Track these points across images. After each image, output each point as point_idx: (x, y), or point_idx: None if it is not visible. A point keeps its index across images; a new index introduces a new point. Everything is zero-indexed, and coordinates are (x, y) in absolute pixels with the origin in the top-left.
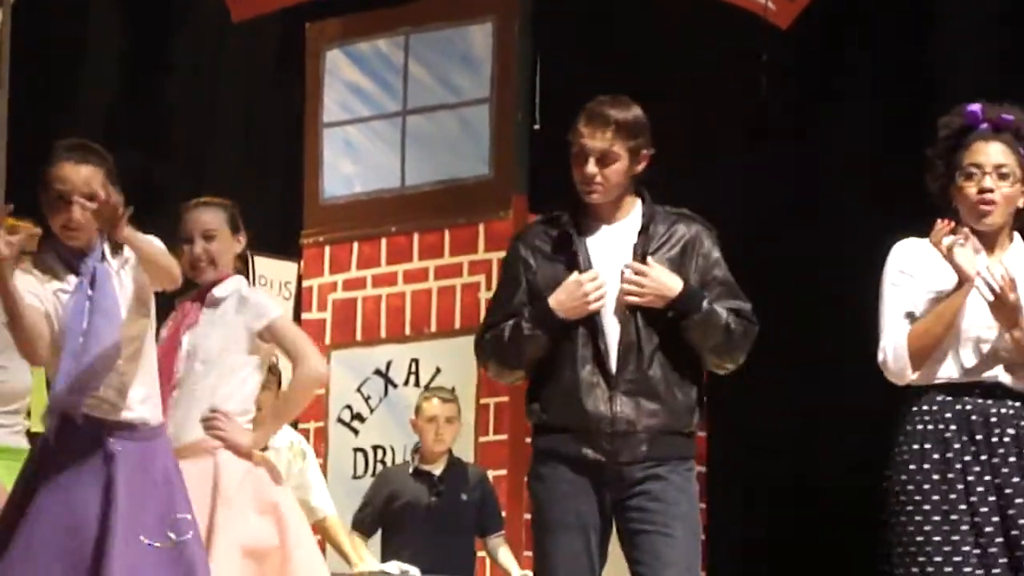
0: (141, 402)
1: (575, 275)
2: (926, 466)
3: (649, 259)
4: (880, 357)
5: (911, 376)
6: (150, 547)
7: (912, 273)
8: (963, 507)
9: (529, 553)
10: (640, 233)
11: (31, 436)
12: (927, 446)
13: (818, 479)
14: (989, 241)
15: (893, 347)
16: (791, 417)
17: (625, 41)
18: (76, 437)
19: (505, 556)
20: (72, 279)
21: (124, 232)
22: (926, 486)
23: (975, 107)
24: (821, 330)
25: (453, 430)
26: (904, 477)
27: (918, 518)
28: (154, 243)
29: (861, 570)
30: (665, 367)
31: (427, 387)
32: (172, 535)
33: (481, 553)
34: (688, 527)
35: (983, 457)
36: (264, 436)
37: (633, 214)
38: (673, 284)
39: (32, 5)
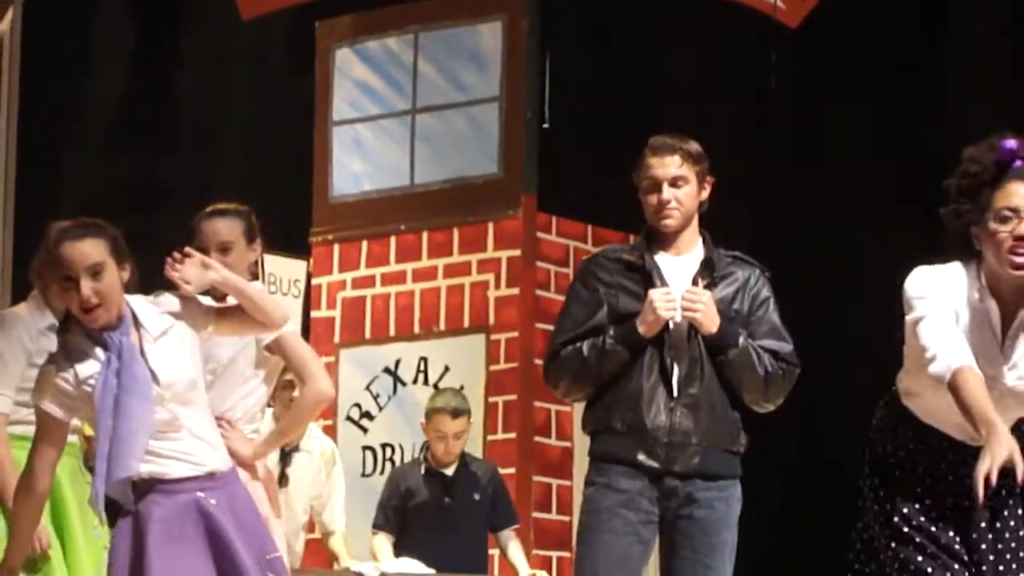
0: (214, 450)
1: (651, 292)
2: (897, 473)
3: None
4: (929, 362)
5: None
6: None
7: (936, 295)
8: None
9: (538, 552)
10: (703, 265)
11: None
12: (892, 461)
13: (823, 491)
14: (1015, 288)
15: (946, 365)
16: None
17: (634, 40)
18: (169, 499)
19: (515, 553)
20: (102, 355)
21: (221, 278)
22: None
23: (1011, 144)
24: (825, 332)
25: (462, 443)
26: (875, 482)
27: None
28: (256, 287)
29: None
30: (720, 388)
31: (437, 388)
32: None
33: (493, 549)
34: (725, 553)
35: (950, 477)
36: (267, 449)
37: (695, 251)
38: (716, 319)
39: (40, 3)
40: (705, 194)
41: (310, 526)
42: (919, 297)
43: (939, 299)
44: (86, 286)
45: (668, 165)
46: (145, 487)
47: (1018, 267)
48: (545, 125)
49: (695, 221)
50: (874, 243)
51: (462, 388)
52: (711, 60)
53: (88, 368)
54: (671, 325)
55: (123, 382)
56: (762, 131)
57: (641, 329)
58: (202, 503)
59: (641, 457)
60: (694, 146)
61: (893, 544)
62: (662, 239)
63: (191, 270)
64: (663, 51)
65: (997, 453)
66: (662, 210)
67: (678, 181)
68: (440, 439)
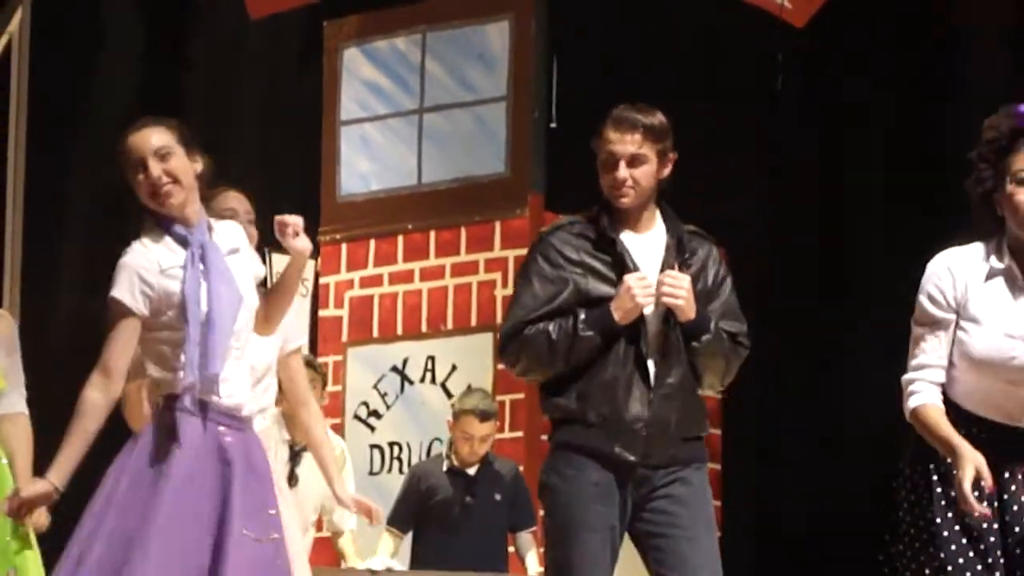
0: (246, 389)
1: (626, 278)
2: (933, 478)
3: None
4: (903, 381)
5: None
6: (255, 541)
7: (948, 305)
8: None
9: (544, 550)
10: (674, 242)
11: None
12: (931, 465)
13: (831, 479)
14: None
15: (908, 395)
16: (804, 417)
17: (641, 40)
18: (191, 427)
19: (532, 556)
20: (180, 252)
21: (299, 244)
22: (930, 503)
23: None
24: (838, 330)
25: (487, 445)
26: (911, 490)
27: (924, 534)
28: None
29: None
30: (690, 374)
31: (444, 387)
32: (271, 531)
33: (510, 548)
34: (710, 529)
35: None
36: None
37: (657, 225)
38: (694, 303)
39: (50, 2)
40: (666, 171)
41: (318, 524)
42: (928, 300)
43: (943, 307)
44: (155, 167)
45: (627, 143)
46: (177, 403)
47: None
48: (552, 124)
49: (653, 196)
50: (882, 242)
51: (469, 387)
52: (718, 59)
53: (170, 259)
54: (647, 311)
55: (210, 269)
56: (769, 131)
57: (617, 316)
58: (222, 439)
59: (618, 450)
60: (658, 120)
61: (932, 546)
62: (623, 215)
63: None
64: (670, 51)
65: (966, 471)
66: (617, 189)
67: (636, 160)
68: (466, 440)
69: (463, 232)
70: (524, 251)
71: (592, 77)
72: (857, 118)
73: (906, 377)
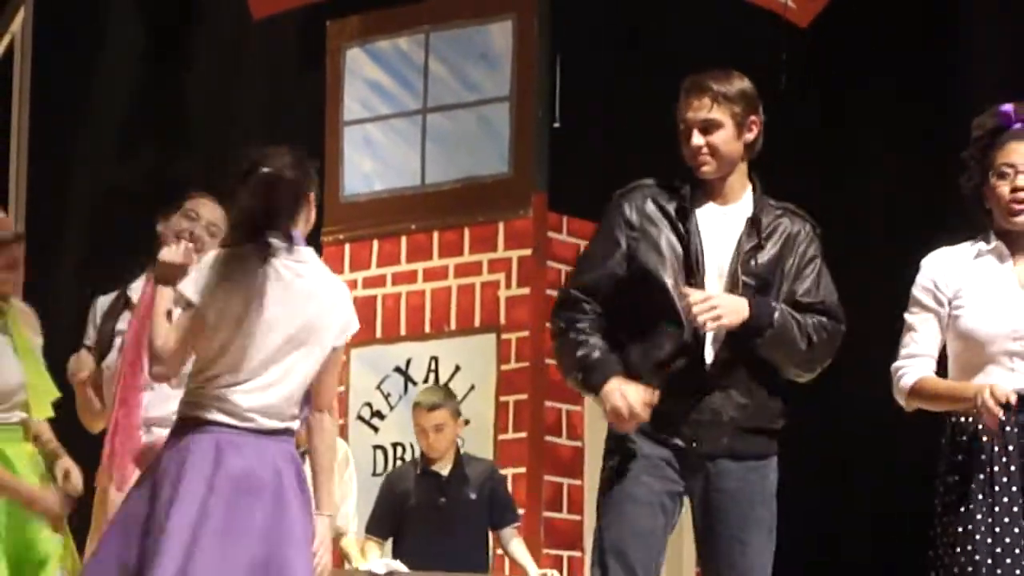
0: None
1: (626, 391)
2: (966, 475)
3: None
4: (892, 368)
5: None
6: None
7: (940, 298)
8: (1003, 517)
9: (547, 551)
10: (749, 223)
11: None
12: (962, 457)
13: (836, 473)
14: (1020, 242)
15: (900, 377)
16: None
17: (645, 39)
18: None
19: (519, 550)
20: None
21: None
22: (968, 503)
23: (1008, 107)
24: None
25: (445, 437)
26: (944, 492)
27: (960, 534)
28: None
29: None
30: (759, 364)
31: (435, 384)
32: None
33: (499, 550)
34: (762, 529)
35: (1012, 468)
36: None
37: (744, 200)
38: (740, 305)
39: (52, 3)
40: (750, 136)
41: None
42: (920, 292)
43: (935, 299)
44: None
45: (698, 108)
46: None
47: (1016, 213)
48: (556, 124)
49: (742, 167)
50: (884, 242)
51: (472, 388)
52: (721, 59)
53: None
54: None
55: None
56: (772, 131)
57: (599, 400)
58: None
59: (665, 435)
60: (735, 85)
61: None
62: (707, 187)
63: None
64: (673, 50)
65: (981, 390)
66: (695, 157)
67: (710, 126)
68: (421, 434)
69: (466, 232)
70: (528, 251)
71: (595, 76)
72: (860, 118)
73: (895, 364)
